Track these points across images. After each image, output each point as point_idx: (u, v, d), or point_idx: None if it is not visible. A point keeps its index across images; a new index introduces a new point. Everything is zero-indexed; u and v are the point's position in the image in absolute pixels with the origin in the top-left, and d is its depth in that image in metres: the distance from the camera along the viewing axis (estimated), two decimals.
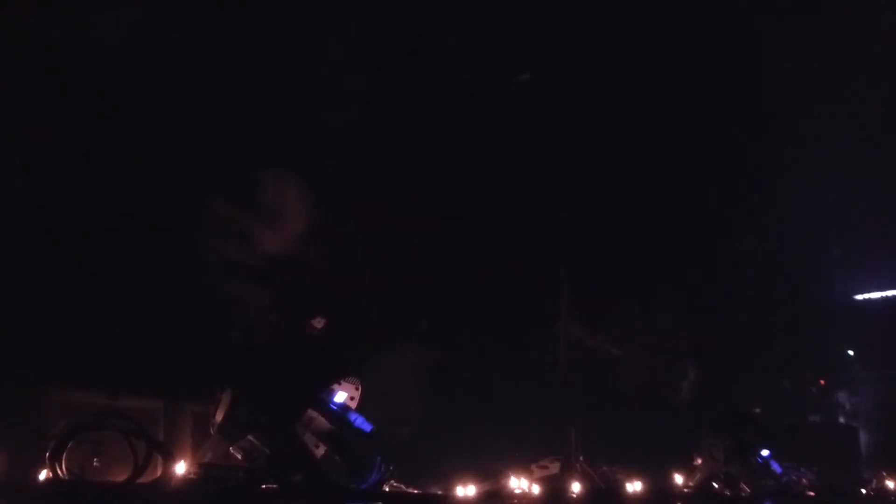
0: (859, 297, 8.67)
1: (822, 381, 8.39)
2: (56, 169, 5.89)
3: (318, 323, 5.70)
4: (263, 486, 5.17)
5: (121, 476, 4.87)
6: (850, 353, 8.54)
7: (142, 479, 4.85)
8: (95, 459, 4.88)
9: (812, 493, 6.91)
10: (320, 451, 5.31)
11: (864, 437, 7.84)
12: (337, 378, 5.67)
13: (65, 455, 4.79)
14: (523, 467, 6.45)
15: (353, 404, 5.69)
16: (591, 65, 7.85)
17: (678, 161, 8.46)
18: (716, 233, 8.34)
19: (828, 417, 8.29)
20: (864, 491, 7.18)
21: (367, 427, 5.50)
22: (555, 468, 6.65)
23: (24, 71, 5.85)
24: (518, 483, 6.21)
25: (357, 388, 5.77)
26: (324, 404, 5.46)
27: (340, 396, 5.60)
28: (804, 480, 7.11)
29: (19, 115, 5.82)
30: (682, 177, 8.46)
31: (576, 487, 6.34)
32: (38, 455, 4.87)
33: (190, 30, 6.27)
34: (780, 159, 8.36)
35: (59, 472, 4.76)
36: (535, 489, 6.24)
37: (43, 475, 4.80)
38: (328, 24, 6.89)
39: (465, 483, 5.92)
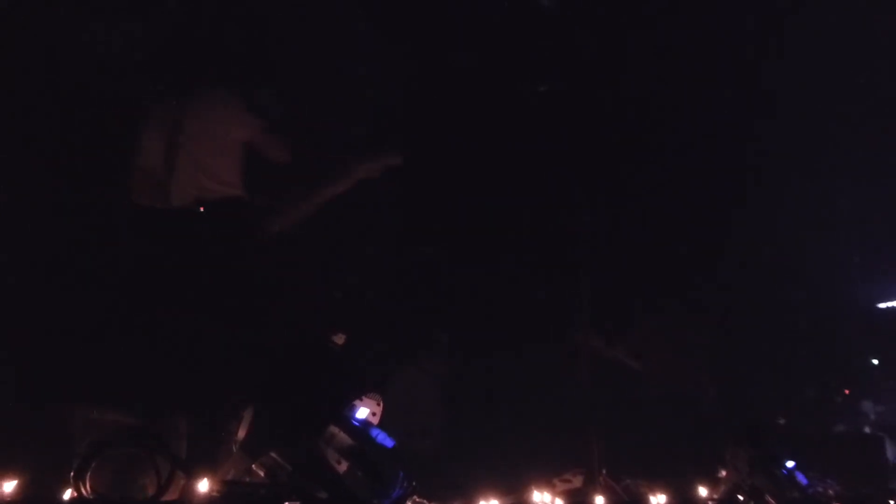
0: (882, 305, 8.60)
1: (847, 391, 8.32)
2: (81, 188, 5.92)
3: (339, 339, 5.71)
4: (286, 503, 5.18)
5: (146, 495, 4.89)
6: (875, 361, 8.46)
7: (165, 497, 4.86)
8: (119, 478, 4.90)
9: None
10: (343, 466, 5.32)
11: (890, 447, 7.76)
12: (358, 394, 5.68)
13: (89, 474, 4.81)
14: (546, 481, 6.41)
15: (375, 420, 5.70)
16: (614, 70, 7.82)
17: (697, 168, 8.42)
18: (738, 242, 8.29)
19: (853, 427, 8.21)
20: (892, 502, 7.10)
21: (389, 443, 5.51)
22: (578, 481, 6.61)
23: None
24: (541, 497, 6.17)
25: (378, 404, 5.78)
26: (346, 420, 5.47)
27: (362, 412, 5.61)
28: (830, 491, 7.04)
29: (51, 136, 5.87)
30: (703, 185, 8.42)
31: (599, 501, 6.30)
32: (62, 474, 4.90)
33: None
34: (803, 166, 8.30)
35: (84, 491, 4.78)
36: (559, 503, 6.22)
37: (67, 495, 4.83)
38: (347, 33, 6.91)
39: (487, 497, 5.90)
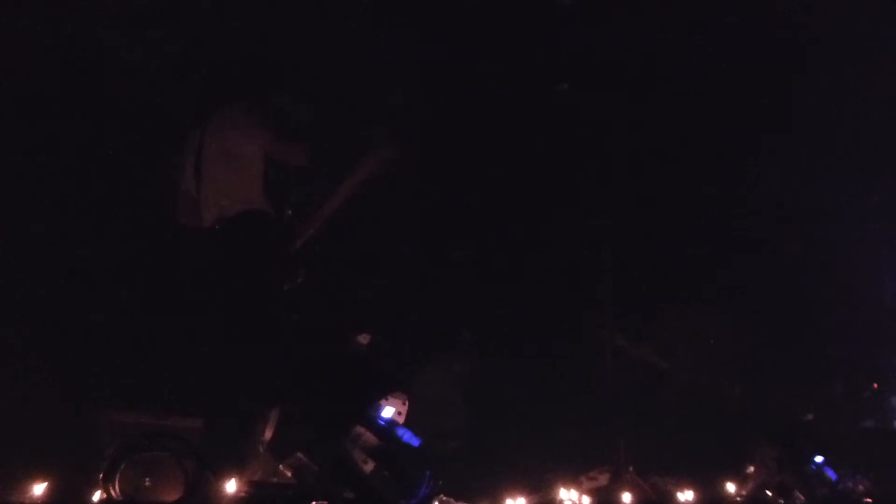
0: None
1: (875, 385, 8.24)
2: (103, 194, 5.96)
3: (364, 339, 5.73)
4: (314, 503, 5.19)
5: (173, 496, 4.91)
6: None
7: (193, 499, 4.88)
8: (147, 480, 4.92)
9: (869, 500, 6.77)
10: (369, 466, 5.32)
11: None
12: (384, 393, 5.69)
13: (118, 476, 4.84)
14: (572, 479, 6.40)
15: (401, 419, 5.70)
16: (635, 70, 7.79)
17: (724, 166, 8.37)
18: (764, 239, 8.23)
19: (882, 422, 8.13)
20: None
21: (415, 441, 5.51)
22: (604, 479, 6.59)
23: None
24: (568, 495, 6.16)
25: (404, 403, 5.78)
26: (372, 420, 5.48)
27: (388, 412, 5.61)
28: (860, 487, 6.97)
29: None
30: (729, 182, 8.36)
31: (626, 498, 6.28)
32: (92, 476, 4.93)
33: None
34: (832, 162, 8.23)
35: (113, 492, 4.81)
36: (586, 501, 6.19)
37: (97, 496, 4.86)
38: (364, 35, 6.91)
39: (514, 496, 5.88)
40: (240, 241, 5.26)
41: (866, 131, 8.09)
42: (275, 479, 5.20)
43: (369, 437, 5.39)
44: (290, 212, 5.64)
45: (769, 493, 6.85)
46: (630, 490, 6.41)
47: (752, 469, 7.07)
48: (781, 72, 7.94)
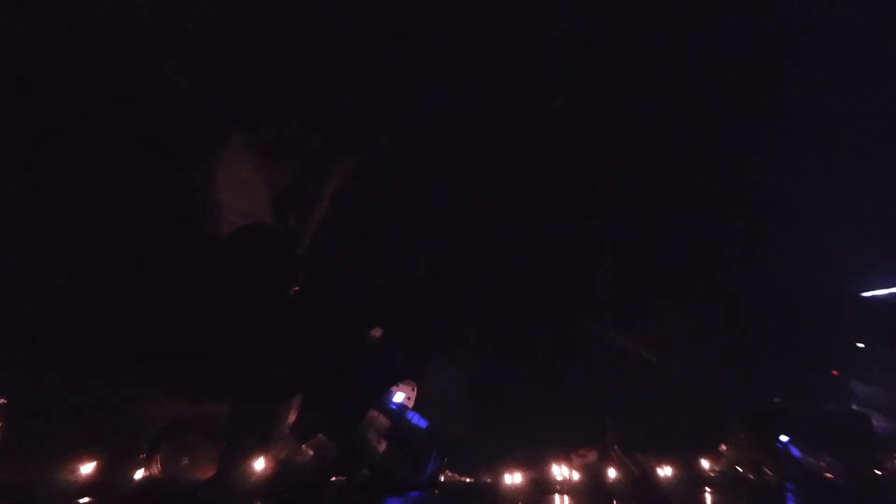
0: (866, 294, 8.48)
1: (835, 372, 8.21)
2: (144, 186, 5.90)
3: (377, 333, 5.75)
4: (333, 479, 5.22)
5: (207, 473, 4.94)
6: (860, 346, 8.35)
7: (225, 476, 4.92)
8: (185, 459, 4.95)
9: (830, 475, 6.78)
10: (382, 446, 5.34)
11: (876, 424, 7.65)
12: (395, 381, 5.71)
13: (158, 456, 4.88)
14: (564, 456, 6.40)
15: (410, 404, 5.72)
16: (628, 72, 7.60)
17: (708, 170, 8.20)
18: (743, 242, 8.15)
19: (842, 405, 8.11)
20: (878, 472, 7.02)
21: (423, 423, 5.53)
22: (592, 456, 6.58)
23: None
24: (559, 470, 6.17)
25: (413, 389, 5.80)
26: (384, 404, 5.51)
27: (398, 397, 5.63)
28: (822, 463, 6.97)
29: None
30: (713, 187, 8.21)
31: (612, 473, 6.30)
32: (135, 457, 4.97)
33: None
34: (803, 169, 8.11)
35: (154, 471, 4.85)
36: (575, 476, 6.21)
37: (139, 474, 4.89)
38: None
39: (511, 471, 5.91)
40: (247, 250, 5.32)
41: (833, 136, 7.97)
42: (298, 458, 5.22)
43: (382, 420, 5.42)
44: (292, 223, 5.67)
45: (740, 469, 6.85)
46: (615, 466, 6.42)
47: (725, 448, 7.06)
48: (769, 70, 7.75)
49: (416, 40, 6.74)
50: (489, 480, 5.89)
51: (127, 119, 5.77)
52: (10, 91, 5.60)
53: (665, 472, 6.43)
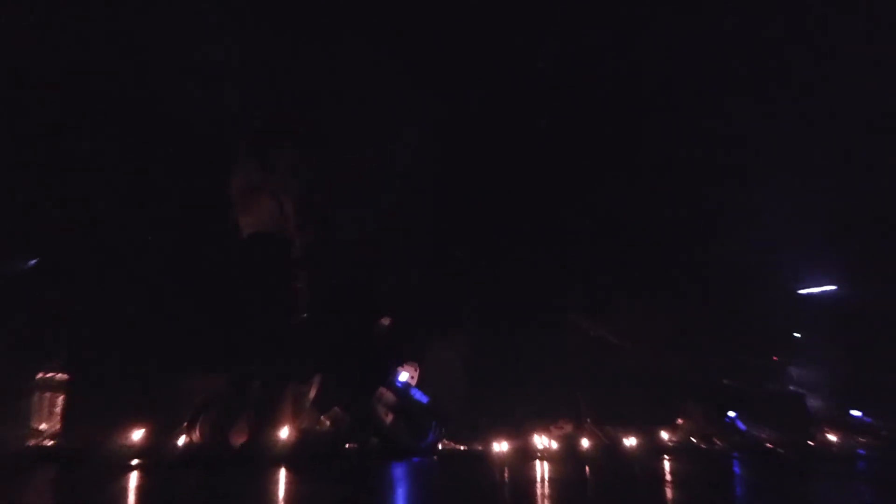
0: (801, 291, 8.62)
1: (776, 358, 8.34)
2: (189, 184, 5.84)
3: (386, 321, 5.84)
4: (347, 446, 5.29)
5: (240, 440, 5.01)
6: (797, 335, 8.48)
7: (255, 442, 4.99)
8: (222, 427, 5.01)
9: (770, 445, 6.90)
10: (389, 418, 5.41)
11: (809, 402, 7.80)
12: (400, 362, 5.79)
13: (198, 424, 4.94)
14: (544, 427, 6.46)
15: (413, 382, 5.79)
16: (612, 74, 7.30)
17: (668, 181, 8.00)
18: (696, 244, 8.14)
19: (780, 386, 8.24)
20: (810, 443, 7.16)
21: (424, 399, 5.61)
22: (569, 428, 6.65)
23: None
24: (541, 440, 6.24)
25: (416, 370, 5.87)
26: (391, 383, 5.59)
27: (403, 376, 5.71)
28: (763, 435, 7.10)
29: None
30: (669, 197, 8.06)
31: (585, 442, 6.40)
32: (177, 426, 5.04)
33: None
34: (748, 178, 8.03)
35: (194, 437, 4.92)
36: (554, 444, 6.29)
37: (181, 440, 4.96)
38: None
39: (499, 440, 5.99)
40: (260, 255, 5.43)
41: (771, 147, 7.83)
42: (317, 428, 5.29)
43: (389, 396, 5.49)
44: (299, 231, 5.76)
45: (694, 439, 6.97)
46: (588, 436, 6.52)
47: (681, 421, 7.17)
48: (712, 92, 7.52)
49: (416, 45, 6.63)
50: (480, 448, 5.96)
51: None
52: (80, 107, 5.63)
53: (630, 441, 6.53)
